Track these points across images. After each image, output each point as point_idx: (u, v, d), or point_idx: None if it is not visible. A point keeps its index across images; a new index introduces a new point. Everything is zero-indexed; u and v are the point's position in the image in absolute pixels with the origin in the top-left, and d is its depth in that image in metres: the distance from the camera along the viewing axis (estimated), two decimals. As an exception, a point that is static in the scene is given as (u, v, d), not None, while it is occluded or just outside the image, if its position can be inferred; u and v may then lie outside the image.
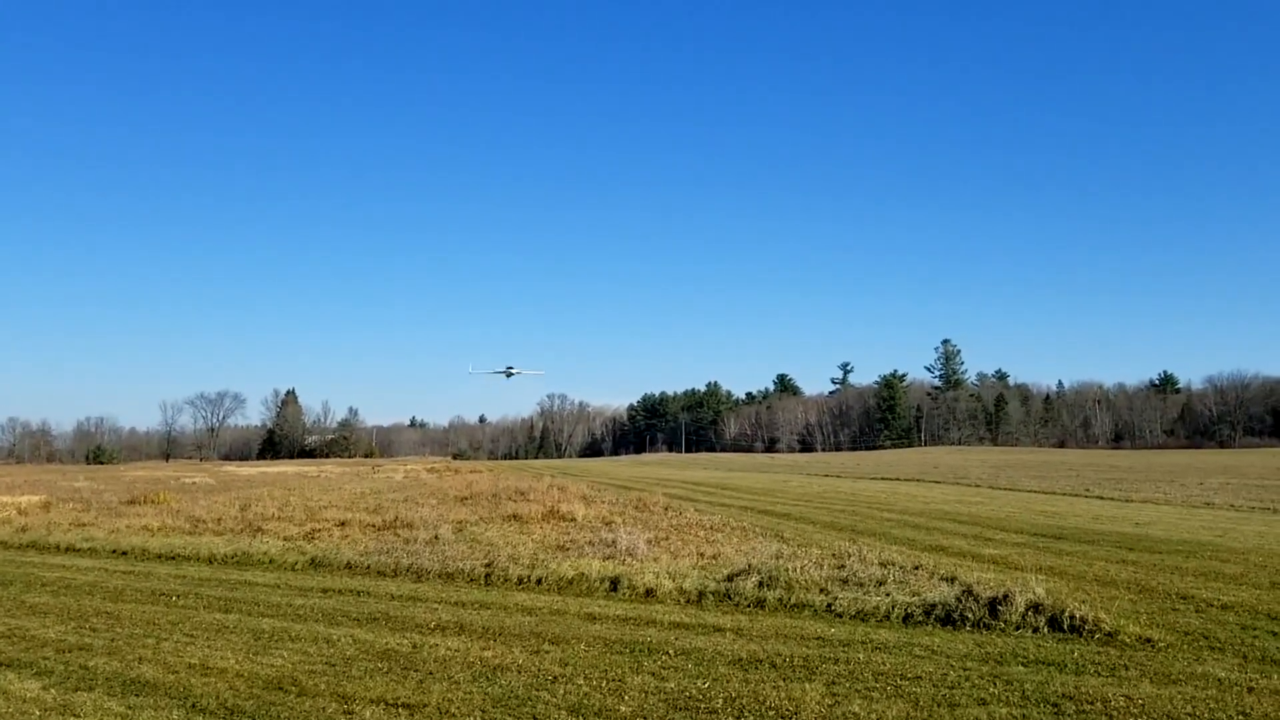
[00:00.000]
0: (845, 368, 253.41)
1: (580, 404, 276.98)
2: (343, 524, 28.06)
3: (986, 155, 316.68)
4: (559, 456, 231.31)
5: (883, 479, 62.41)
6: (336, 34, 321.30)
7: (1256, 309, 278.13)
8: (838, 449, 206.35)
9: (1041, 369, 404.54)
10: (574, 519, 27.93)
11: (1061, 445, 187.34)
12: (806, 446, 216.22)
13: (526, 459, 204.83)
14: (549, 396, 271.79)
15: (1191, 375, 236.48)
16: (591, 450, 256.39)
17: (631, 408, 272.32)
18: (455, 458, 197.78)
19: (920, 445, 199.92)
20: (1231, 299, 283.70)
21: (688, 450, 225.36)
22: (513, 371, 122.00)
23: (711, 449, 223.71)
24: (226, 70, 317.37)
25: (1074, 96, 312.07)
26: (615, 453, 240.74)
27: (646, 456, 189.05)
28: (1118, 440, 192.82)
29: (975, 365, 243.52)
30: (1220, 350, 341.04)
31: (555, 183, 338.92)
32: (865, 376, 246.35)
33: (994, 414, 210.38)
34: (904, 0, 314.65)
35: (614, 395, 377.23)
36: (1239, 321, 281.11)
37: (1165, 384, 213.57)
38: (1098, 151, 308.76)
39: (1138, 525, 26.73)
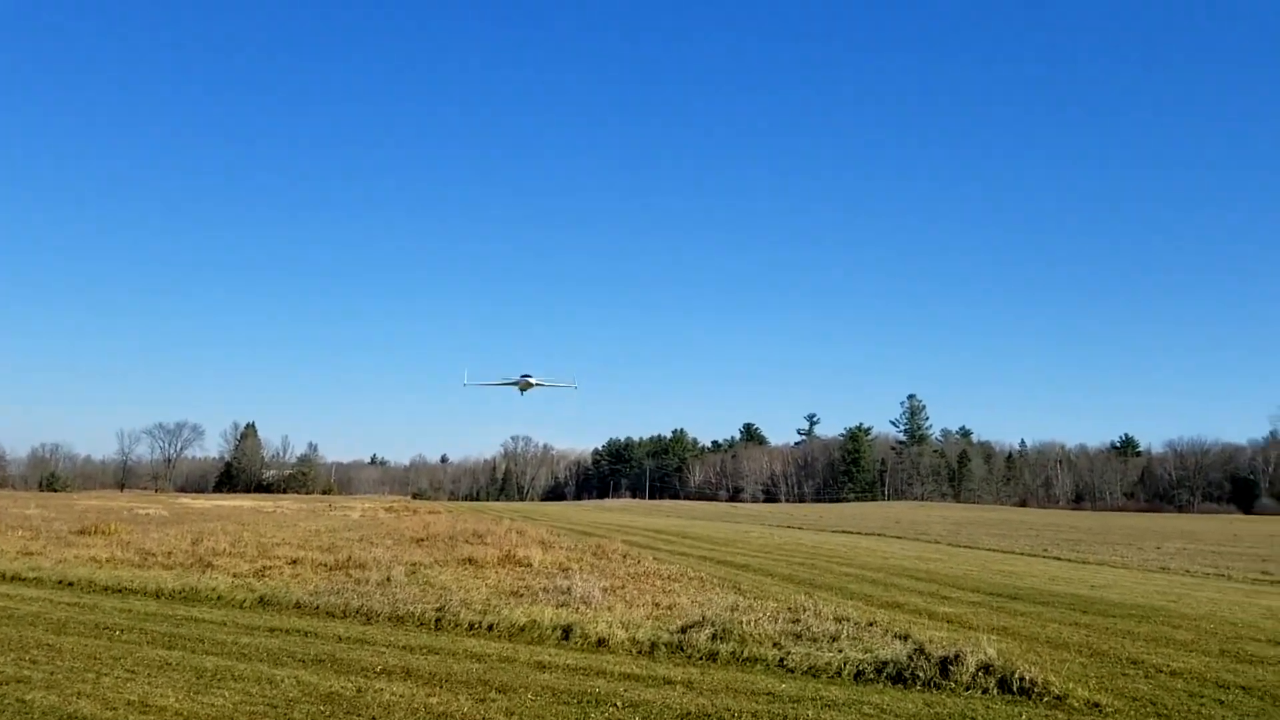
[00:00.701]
0: (812, 419, 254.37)
1: (544, 447, 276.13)
2: (294, 562, 27.68)
3: (953, 215, 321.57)
4: (521, 499, 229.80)
5: (844, 532, 62.46)
6: (292, 78, 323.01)
7: (1217, 376, 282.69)
8: (801, 500, 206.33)
9: (1005, 427, 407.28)
10: (530, 564, 27.69)
11: (1023, 504, 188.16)
12: (771, 497, 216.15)
13: (488, 501, 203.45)
14: (513, 438, 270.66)
15: (1152, 439, 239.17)
16: (554, 494, 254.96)
17: (596, 452, 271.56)
18: (415, 497, 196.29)
19: (884, 499, 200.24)
20: (1193, 365, 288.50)
21: (651, 497, 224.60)
22: (530, 383, 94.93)
23: (675, 496, 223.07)
24: (190, 97, 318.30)
25: (1041, 155, 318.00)
26: (578, 497, 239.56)
27: (609, 502, 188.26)
28: (1078, 501, 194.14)
29: (940, 421, 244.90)
30: (1181, 415, 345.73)
31: (521, 225, 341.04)
32: (831, 428, 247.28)
33: (957, 470, 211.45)
34: (871, 40, 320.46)
35: (579, 439, 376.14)
36: (1200, 388, 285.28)
37: (1126, 447, 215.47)
38: (1063, 216, 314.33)
39: (1093, 588, 26.85)
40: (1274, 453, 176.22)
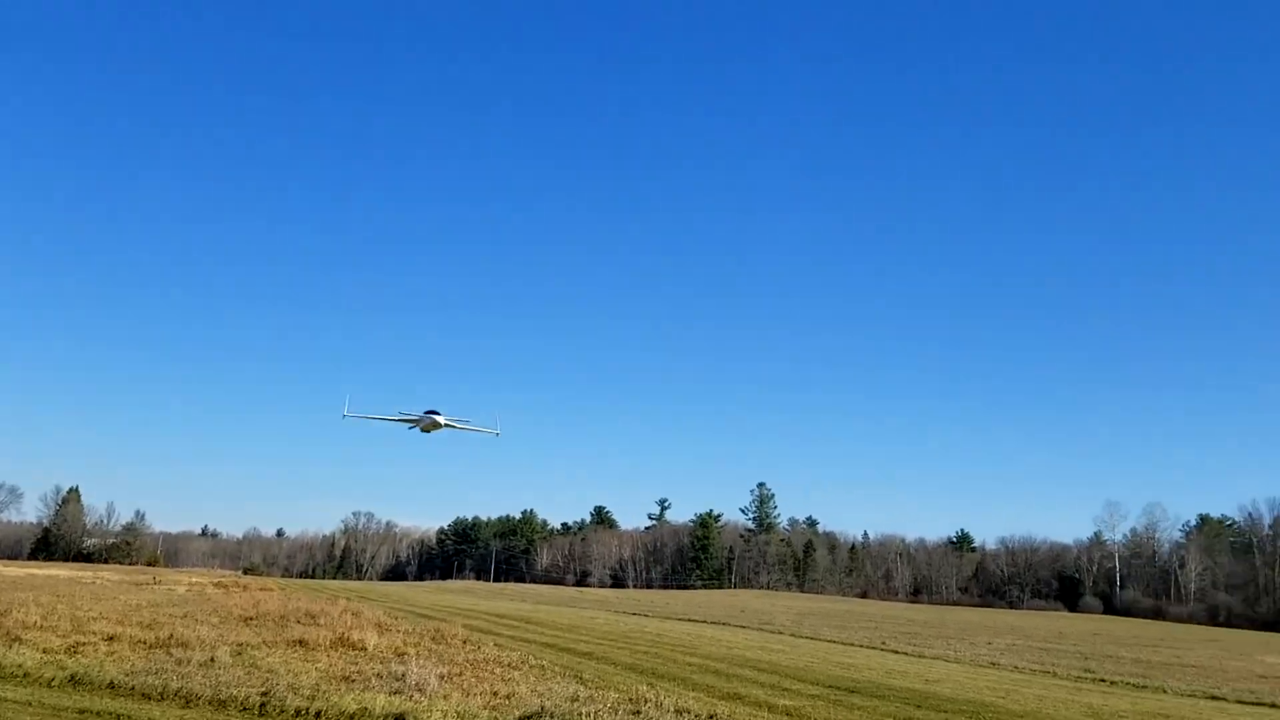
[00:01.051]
0: (663, 504, 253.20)
1: (387, 524, 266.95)
2: (111, 638, 26.14)
3: (802, 308, 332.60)
4: (360, 578, 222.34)
5: (690, 620, 62.49)
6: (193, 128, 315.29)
7: (1048, 477, 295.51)
8: (649, 586, 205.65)
9: (849, 518, 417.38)
10: (365, 648, 26.70)
11: (864, 595, 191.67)
12: (619, 582, 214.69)
13: (325, 579, 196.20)
14: (354, 514, 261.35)
15: (986, 535, 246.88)
16: (395, 574, 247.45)
17: (441, 531, 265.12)
18: (247, 572, 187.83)
19: (730, 587, 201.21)
20: (1026, 465, 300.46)
21: (497, 579, 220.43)
22: (439, 423, 72.62)
23: (522, 579, 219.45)
24: (49, 161, 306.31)
25: (882, 256, 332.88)
26: (420, 577, 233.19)
27: (452, 584, 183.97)
28: (916, 594, 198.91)
29: (788, 510, 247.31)
30: (1013, 513, 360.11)
31: (374, 296, 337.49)
32: (683, 513, 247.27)
33: (802, 560, 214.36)
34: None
35: (423, 517, 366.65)
36: (1031, 487, 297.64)
37: (961, 542, 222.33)
38: (903, 320, 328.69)
39: (928, 682, 27.40)
40: (1097, 553, 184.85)
